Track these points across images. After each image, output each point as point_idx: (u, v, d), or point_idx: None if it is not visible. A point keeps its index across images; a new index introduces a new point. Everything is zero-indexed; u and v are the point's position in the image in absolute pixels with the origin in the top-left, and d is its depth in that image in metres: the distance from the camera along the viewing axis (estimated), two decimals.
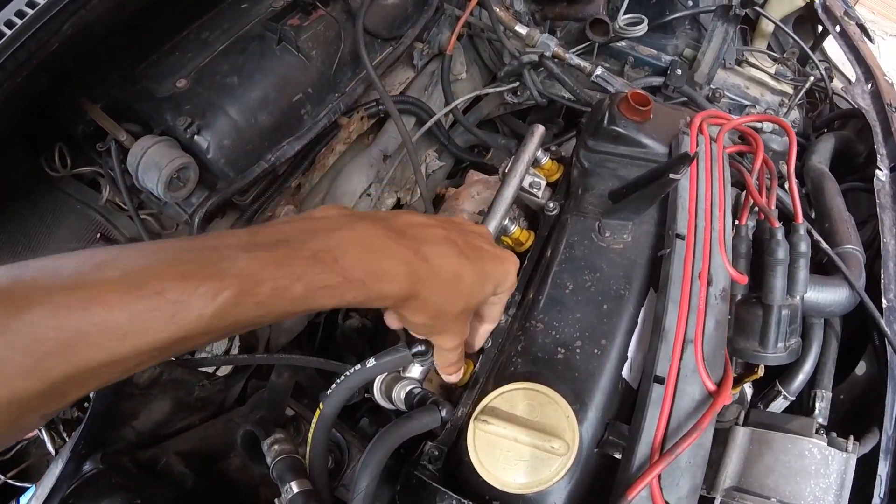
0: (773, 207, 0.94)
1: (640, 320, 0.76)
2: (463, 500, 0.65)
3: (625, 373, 0.73)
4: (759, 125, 1.31)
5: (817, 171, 1.29)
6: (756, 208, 0.98)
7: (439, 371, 0.72)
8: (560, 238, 0.83)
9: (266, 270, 0.44)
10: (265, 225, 0.51)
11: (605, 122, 0.90)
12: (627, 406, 0.73)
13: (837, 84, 1.52)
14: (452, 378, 0.73)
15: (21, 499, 0.95)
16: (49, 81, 0.89)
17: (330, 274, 0.47)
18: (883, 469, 0.90)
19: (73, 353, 0.38)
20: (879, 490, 0.89)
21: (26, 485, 0.93)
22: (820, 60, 1.63)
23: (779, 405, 0.99)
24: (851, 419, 1.04)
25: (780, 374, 0.98)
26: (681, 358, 0.70)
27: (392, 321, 0.63)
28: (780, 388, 0.97)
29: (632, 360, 0.74)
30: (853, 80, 1.52)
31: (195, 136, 0.97)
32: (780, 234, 0.88)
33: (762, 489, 0.79)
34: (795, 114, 1.52)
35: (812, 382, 1.00)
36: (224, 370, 0.92)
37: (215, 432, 0.91)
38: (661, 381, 0.68)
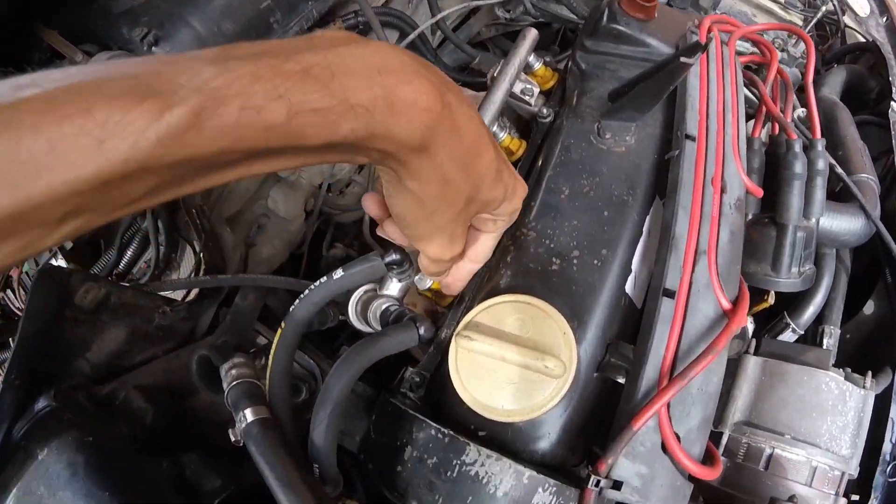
0: (789, 118, 0.84)
1: (644, 230, 0.66)
2: (443, 429, 0.56)
3: (628, 287, 0.64)
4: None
5: (829, 100, 1.20)
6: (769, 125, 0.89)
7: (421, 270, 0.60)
8: (555, 142, 0.73)
9: (236, 84, 0.32)
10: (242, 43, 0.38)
11: (605, 19, 0.79)
12: (631, 325, 0.63)
13: (849, 17, 1.43)
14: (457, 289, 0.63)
15: None
16: (5, 9, 0.83)
17: (323, 93, 0.35)
18: (895, 411, 0.84)
19: None
20: (891, 434, 0.83)
21: None
22: None
23: (787, 339, 0.92)
24: (858, 360, 0.97)
25: (789, 305, 0.90)
26: (693, 270, 0.60)
27: (371, 203, 0.54)
28: (789, 319, 0.90)
29: (636, 274, 0.65)
30: (866, 13, 1.43)
31: (153, 47, 0.88)
32: (798, 147, 0.79)
33: (775, 424, 0.73)
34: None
35: (819, 318, 0.93)
36: (191, 295, 0.83)
37: (179, 364, 0.81)
38: (671, 294, 0.59)
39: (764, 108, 0.86)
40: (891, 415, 0.84)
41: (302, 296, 0.59)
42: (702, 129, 0.69)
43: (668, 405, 0.56)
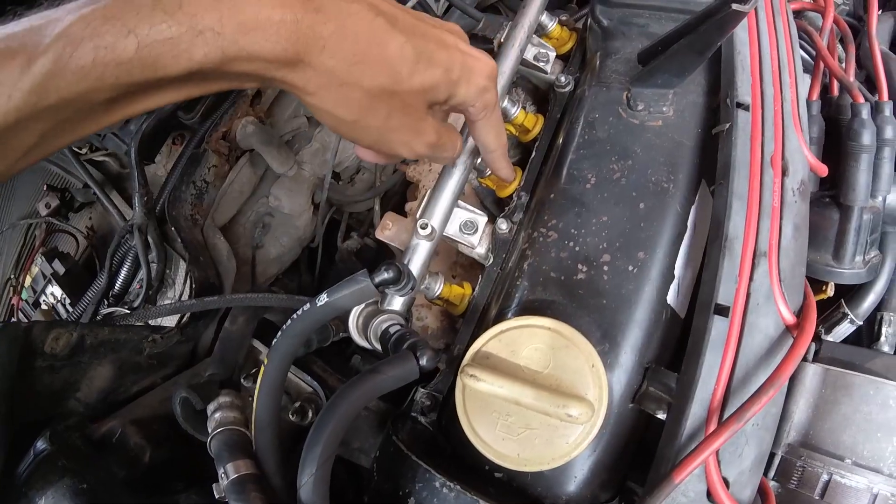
0: (852, 78, 0.71)
1: (689, 224, 0.54)
2: (449, 483, 0.46)
3: (670, 298, 0.52)
4: None
5: (882, 52, 1.06)
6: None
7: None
8: (577, 117, 0.61)
9: (89, 27, 0.36)
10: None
11: None
12: (673, 344, 0.53)
13: None
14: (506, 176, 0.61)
15: None
16: None
17: (170, 22, 0.37)
18: None
19: None
20: None
21: None
22: None
23: (843, 330, 0.82)
24: None
25: (846, 293, 0.79)
26: (750, 279, 0.49)
27: (361, 151, 0.53)
28: (847, 309, 0.79)
29: (679, 280, 0.53)
30: None
31: None
32: (865, 112, 0.66)
33: (836, 447, 0.63)
34: None
35: (879, 304, 0.82)
36: (184, 318, 0.76)
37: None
38: (724, 312, 0.48)
39: (821, 65, 0.73)
40: None
41: (283, 328, 0.49)
42: (756, 95, 0.57)
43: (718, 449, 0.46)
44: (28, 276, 0.96)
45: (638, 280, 0.52)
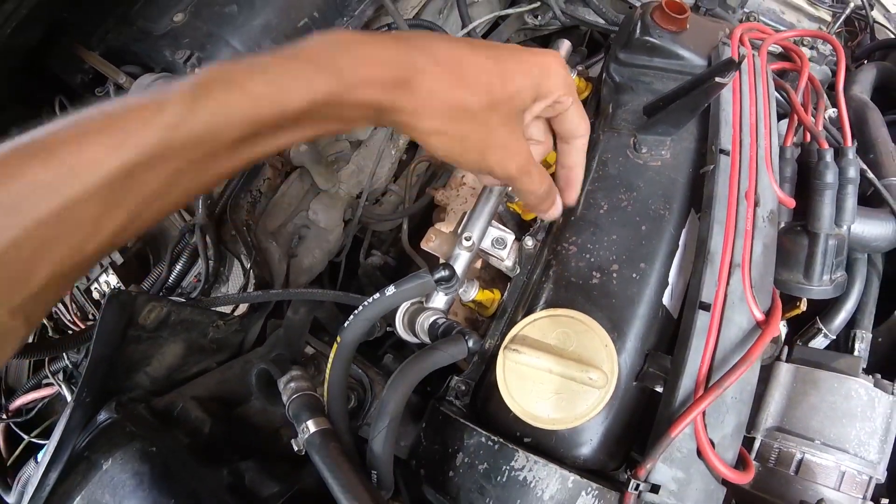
0: (820, 128, 0.85)
1: (681, 243, 0.69)
2: (493, 437, 0.59)
3: (665, 299, 0.67)
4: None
5: (859, 101, 1.20)
6: (800, 133, 0.90)
7: (531, 209, 0.62)
8: (592, 156, 0.75)
9: (220, 72, 0.40)
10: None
11: (638, 32, 0.81)
12: (668, 335, 0.66)
13: (878, 13, 1.41)
14: (551, 214, 0.62)
15: (38, 456, 0.91)
16: (41, 33, 0.86)
17: (294, 61, 0.42)
18: None
19: (14, 212, 0.34)
20: None
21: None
22: None
23: (818, 344, 0.93)
24: (890, 364, 0.97)
25: (821, 310, 0.92)
26: (727, 283, 0.63)
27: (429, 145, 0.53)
28: (821, 325, 0.91)
29: (673, 286, 0.67)
30: (895, 9, 1.42)
31: (196, 69, 0.91)
32: (829, 156, 0.80)
33: (806, 431, 0.75)
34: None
35: (851, 322, 0.94)
36: (240, 309, 0.87)
37: (233, 375, 0.86)
38: (706, 307, 0.61)
39: (795, 117, 0.88)
40: None
41: (356, 312, 0.61)
42: (735, 143, 0.71)
43: (704, 413, 0.59)
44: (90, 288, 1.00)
45: (640, 285, 0.66)
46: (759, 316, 0.64)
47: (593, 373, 0.56)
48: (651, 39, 0.81)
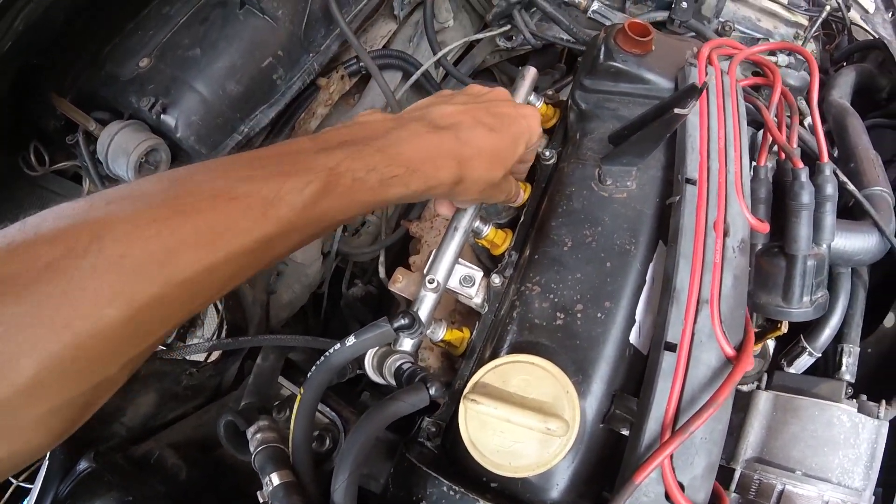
0: (795, 146, 0.84)
1: (648, 277, 0.67)
2: (454, 486, 0.58)
3: (633, 338, 0.65)
4: (774, 57, 1.20)
5: (839, 106, 1.18)
6: (776, 147, 0.88)
7: (503, 204, 0.78)
8: (557, 189, 0.74)
9: (343, 164, 0.47)
10: (321, 132, 0.54)
11: (602, 57, 0.80)
12: (636, 375, 0.65)
13: (855, 14, 1.39)
14: (518, 202, 0.78)
15: (25, 502, 0.94)
16: (9, 81, 0.86)
17: (396, 165, 0.51)
18: None
19: (161, 266, 0.36)
20: None
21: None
22: None
23: (804, 362, 0.91)
24: (882, 375, 0.96)
25: (805, 328, 0.90)
26: (695, 321, 0.61)
27: (442, 207, 0.72)
28: (805, 344, 0.90)
29: (640, 324, 0.66)
30: (872, 9, 1.39)
31: (161, 116, 0.92)
32: (804, 176, 0.78)
33: (787, 461, 0.73)
34: (812, 46, 1.39)
35: (839, 337, 0.92)
36: (215, 355, 0.88)
37: (209, 419, 0.89)
38: (672, 348, 0.60)
39: (769, 135, 0.86)
40: None
41: (317, 363, 0.61)
42: (702, 170, 0.70)
43: (672, 456, 0.58)
44: None
45: (605, 324, 0.64)
46: (730, 352, 0.62)
47: (552, 423, 0.55)
48: (615, 64, 0.79)
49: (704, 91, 0.77)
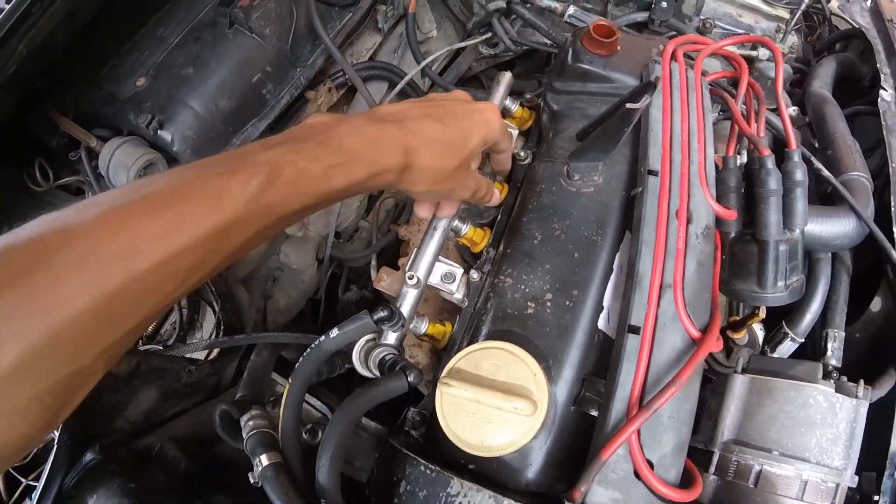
0: (761, 134, 0.86)
1: (616, 266, 0.70)
2: (430, 466, 0.62)
3: (601, 324, 0.68)
4: (755, 51, 1.22)
5: (818, 96, 1.20)
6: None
7: (477, 203, 0.79)
8: (529, 187, 0.78)
9: (286, 157, 0.50)
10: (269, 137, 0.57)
11: (570, 59, 0.84)
12: (607, 360, 0.67)
13: (835, 3, 1.41)
14: (493, 202, 0.80)
15: (33, 496, 0.98)
16: (14, 102, 0.92)
17: (338, 155, 0.54)
18: None
19: (125, 259, 0.40)
20: None
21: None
22: None
23: (787, 348, 0.93)
24: (869, 359, 0.97)
25: (787, 314, 0.92)
26: (658, 305, 0.64)
27: (421, 209, 0.75)
28: (787, 329, 0.91)
29: (608, 310, 0.69)
30: None
31: (158, 132, 0.98)
32: (770, 163, 0.80)
33: (763, 442, 0.74)
34: (794, 39, 1.42)
35: (823, 322, 0.94)
36: (213, 354, 0.93)
37: (207, 416, 0.91)
38: (636, 331, 0.63)
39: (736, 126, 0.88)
40: None
41: (304, 355, 0.65)
42: (665, 162, 0.73)
43: (639, 434, 0.60)
44: None
45: (573, 312, 0.67)
46: (695, 334, 0.65)
47: (518, 402, 0.58)
48: (582, 66, 0.83)
49: (667, 83, 0.80)
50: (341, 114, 0.65)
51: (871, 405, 0.79)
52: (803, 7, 1.32)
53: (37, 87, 0.97)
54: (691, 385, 0.63)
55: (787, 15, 1.36)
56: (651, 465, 0.60)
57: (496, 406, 0.58)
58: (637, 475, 0.60)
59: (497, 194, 0.81)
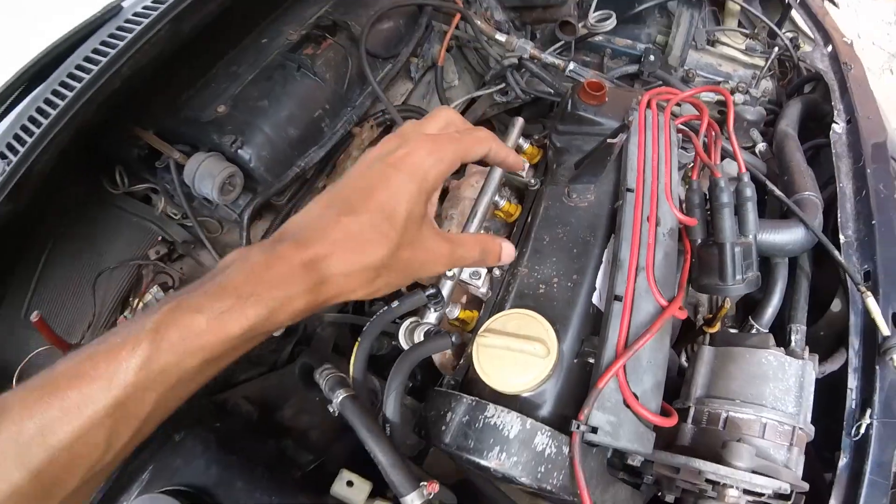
0: (716, 162, 1.10)
1: (604, 259, 0.94)
2: (470, 397, 0.82)
3: (595, 300, 0.91)
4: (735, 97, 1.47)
5: (781, 132, 1.43)
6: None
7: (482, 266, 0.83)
8: (538, 204, 1.03)
9: (168, 317, 0.49)
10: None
11: (569, 108, 1.10)
12: (598, 325, 0.90)
13: (808, 49, 1.62)
14: (502, 261, 0.76)
15: None
16: (105, 114, 1.07)
17: (224, 298, 0.50)
18: (853, 382, 1.00)
19: (44, 437, 0.44)
20: (850, 402, 0.98)
21: None
22: (790, 30, 1.73)
23: None
24: (832, 352, 1.11)
25: (753, 310, 1.13)
26: (635, 281, 0.87)
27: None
28: (753, 322, 1.12)
29: (600, 290, 0.92)
30: (810, 47, 1.62)
31: (238, 150, 1.17)
32: (722, 182, 1.02)
33: (728, 393, 0.91)
34: (768, 84, 1.64)
35: (789, 318, 1.13)
36: (279, 332, 1.08)
37: (270, 385, 1.10)
38: (619, 298, 0.86)
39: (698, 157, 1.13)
40: (848, 385, 1.01)
41: (371, 319, 0.85)
42: (639, 182, 0.97)
43: (625, 372, 0.81)
44: (141, 302, 1.16)
45: (574, 290, 0.91)
46: (663, 302, 0.88)
47: (536, 345, 0.80)
48: (579, 112, 1.09)
49: (642, 125, 1.06)
50: (252, 245, 0.58)
51: (829, 381, 0.97)
52: (773, 56, 1.54)
53: (120, 104, 1.10)
54: (662, 338, 0.85)
55: (762, 63, 1.60)
56: (636, 396, 0.82)
57: (520, 349, 0.81)
58: (626, 404, 0.81)
59: (507, 251, 0.76)
